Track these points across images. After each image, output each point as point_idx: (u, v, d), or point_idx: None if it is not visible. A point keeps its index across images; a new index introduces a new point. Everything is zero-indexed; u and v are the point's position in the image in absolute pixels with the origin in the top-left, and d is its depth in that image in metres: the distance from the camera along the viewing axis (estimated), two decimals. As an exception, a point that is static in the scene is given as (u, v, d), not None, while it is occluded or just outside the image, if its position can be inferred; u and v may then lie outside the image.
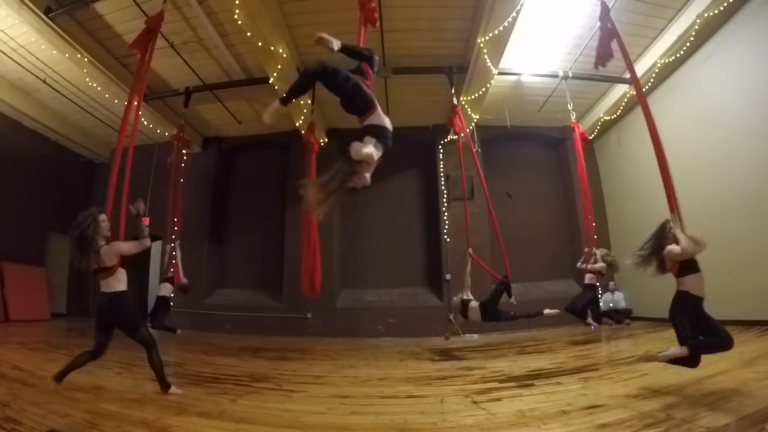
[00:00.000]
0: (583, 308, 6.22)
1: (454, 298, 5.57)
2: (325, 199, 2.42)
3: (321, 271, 5.97)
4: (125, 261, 3.01)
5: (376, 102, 2.66)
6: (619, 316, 7.24)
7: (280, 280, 8.27)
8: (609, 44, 3.63)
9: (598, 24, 3.78)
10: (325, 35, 2.79)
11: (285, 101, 2.69)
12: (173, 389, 2.94)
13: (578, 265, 6.68)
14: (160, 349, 2.99)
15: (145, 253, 9.72)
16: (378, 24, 3.64)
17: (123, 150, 3.48)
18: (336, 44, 2.82)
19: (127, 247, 3.00)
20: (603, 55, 3.62)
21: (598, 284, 6.58)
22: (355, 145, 2.45)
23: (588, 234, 6.43)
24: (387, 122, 2.66)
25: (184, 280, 6.17)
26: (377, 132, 2.57)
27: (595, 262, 6.22)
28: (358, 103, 2.64)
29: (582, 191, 6.47)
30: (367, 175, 2.57)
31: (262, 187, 9.13)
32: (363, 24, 3.57)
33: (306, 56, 6.57)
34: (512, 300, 5.28)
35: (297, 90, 2.66)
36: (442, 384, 3.36)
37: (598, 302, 7.08)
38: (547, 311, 5.06)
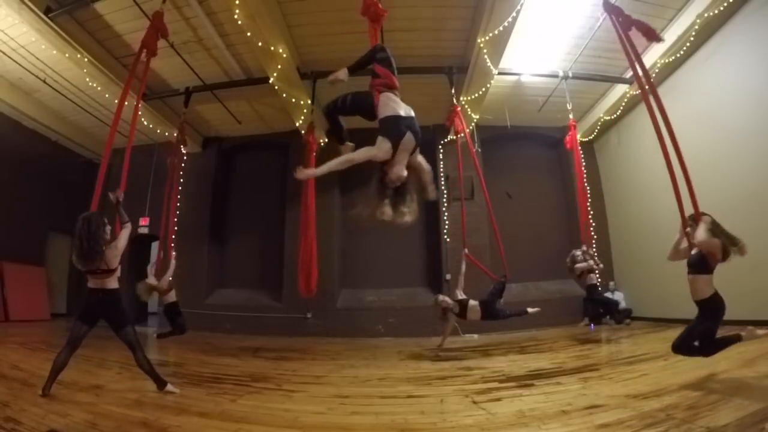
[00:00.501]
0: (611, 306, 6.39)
1: (440, 297, 5.42)
2: (386, 204, 2.60)
3: (318, 271, 5.95)
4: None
5: (376, 95, 2.68)
6: (619, 316, 7.23)
7: (280, 280, 8.27)
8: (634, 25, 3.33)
9: (601, 18, 3.54)
10: (331, 76, 2.99)
11: (340, 142, 2.95)
12: (170, 387, 2.95)
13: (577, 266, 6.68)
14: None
15: (145, 255, 9.80)
16: (385, 15, 3.63)
17: (120, 150, 3.48)
18: (344, 74, 2.96)
19: (123, 240, 3.06)
20: (647, 30, 3.26)
21: (597, 283, 6.58)
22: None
23: (579, 235, 6.46)
24: (396, 108, 2.69)
25: (152, 280, 5.37)
26: (384, 126, 2.63)
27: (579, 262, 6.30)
28: (365, 108, 2.70)
29: (578, 192, 6.46)
30: (398, 170, 2.61)
31: (262, 188, 9.13)
32: (370, 23, 3.57)
33: (306, 56, 6.58)
34: (501, 301, 5.38)
35: (332, 128, 2.94)
36: (442, 384, 3.36)
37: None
38: (530, 309, 5.40)
